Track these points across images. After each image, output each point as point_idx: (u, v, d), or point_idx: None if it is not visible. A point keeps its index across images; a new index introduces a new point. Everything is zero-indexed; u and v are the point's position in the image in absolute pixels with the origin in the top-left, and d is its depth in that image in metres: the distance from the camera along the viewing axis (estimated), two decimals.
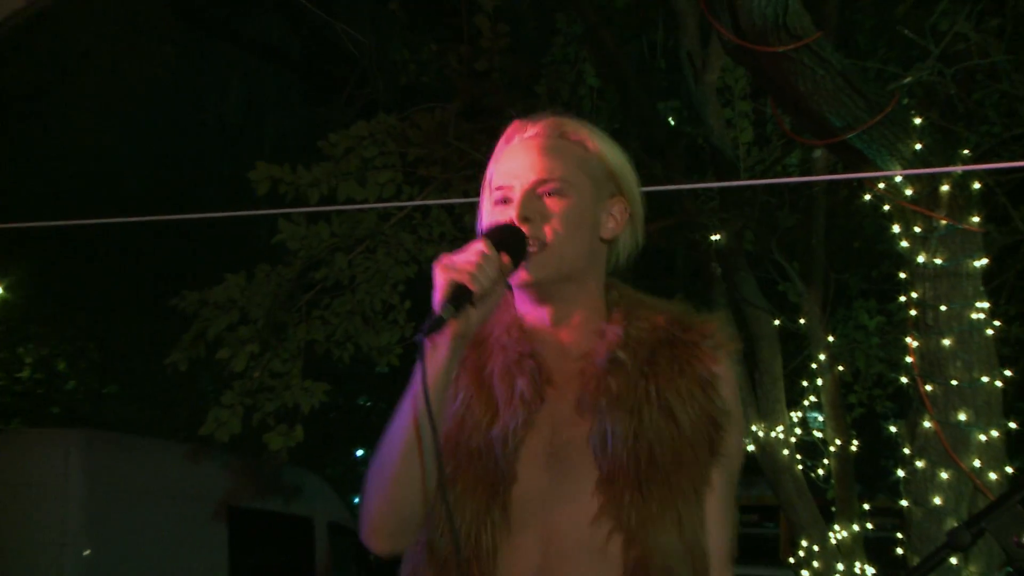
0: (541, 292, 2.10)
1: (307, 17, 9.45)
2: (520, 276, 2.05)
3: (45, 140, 13.63)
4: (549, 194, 2.07)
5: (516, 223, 2.04)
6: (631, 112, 8.39)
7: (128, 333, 15.10)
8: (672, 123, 8.75)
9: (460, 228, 7.14)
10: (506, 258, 1.97)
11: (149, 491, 9.56)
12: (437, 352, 1.91)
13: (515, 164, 2.11)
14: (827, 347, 7.42)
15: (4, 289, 15.19)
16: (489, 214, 2.13)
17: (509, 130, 2.18)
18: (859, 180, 6.18)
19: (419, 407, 1.89)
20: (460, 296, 1.89)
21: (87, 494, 9.08)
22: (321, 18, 7.81)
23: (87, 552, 8.93)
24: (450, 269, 1.90)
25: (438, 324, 1.87)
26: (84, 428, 10.40)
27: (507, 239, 2.00)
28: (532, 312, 2.14)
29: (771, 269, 7.84)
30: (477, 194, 6.87)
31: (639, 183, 2.20)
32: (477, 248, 1.94)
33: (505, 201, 2.10)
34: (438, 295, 1.90)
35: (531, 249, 2.04)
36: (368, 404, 22.87)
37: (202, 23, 10.99)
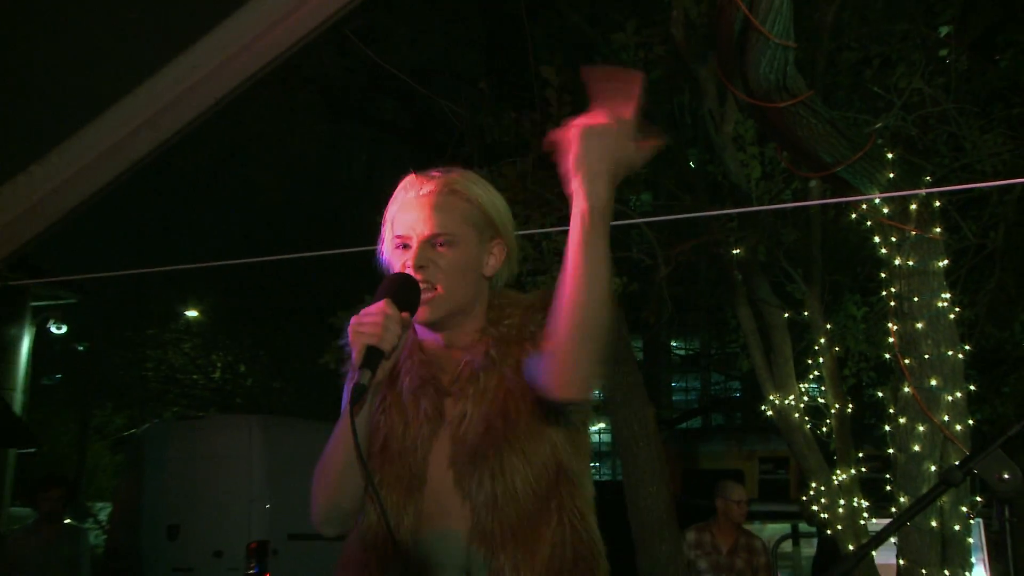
0: (435, 326, 2.01)
1: (416, 96, 9.59)
2: (419, 316, 1.95)
3: (229, 198, 13.92)
4: (440, 244, 1.97)
5: (412, 271, 1.94)
6: (664, 157, 8.38)
7: (290, 342, 15.32)
8: (694, 165, 8.72)
9: (539, 251, 7.14)
10: (405, 314, 1.87)
11: (308, 460, 9.67)
12: (361, 405, 1.86)
13: (412, 217, 1.98)
14: (826, 333, 7.35)
15: (200, 312, 15.53)
16: (391, 254, 2.02)
17: (407, 180, 2.05)
18: (846, 203, 6.12)
19: (351, 444, 1.81)
20: (373, 357, 1.80)
21: (266, 463, 9.25)
22: (427, 97, 7.88)
23: (268, 506, 9.09)
24: (361, 334, 1.81)
25: (361, 390, 1.78)
26: (261, 414, 10.57)
27: (404, 294, 1.89)
28: (429, 336, 2.04)
29: (780, 274, 7.78)
30: (552, 225, 6.82)
31: (513, 223, 2.09)
32: (380, 310, 1.82)
33: (404, 247, 1.99)
34: (355, 356, 1.81)
35: (427, 295, 1.94)
36: None
37: (338, 106, 11.17)
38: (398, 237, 2.00)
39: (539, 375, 1.85)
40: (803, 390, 7.56)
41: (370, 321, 1.82)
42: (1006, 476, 1.76)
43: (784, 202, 7.10)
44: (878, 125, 5.87)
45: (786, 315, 7.53)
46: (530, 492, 1.90)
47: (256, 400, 15.96)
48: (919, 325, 5.40)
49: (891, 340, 5.59)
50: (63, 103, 3.25)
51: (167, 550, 9.01)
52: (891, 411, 5.68)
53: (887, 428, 5.72)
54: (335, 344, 7.78)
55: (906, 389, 5.43)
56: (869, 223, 5.76)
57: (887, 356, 6.04)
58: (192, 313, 15.56)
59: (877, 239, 5.58)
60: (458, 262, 1.98)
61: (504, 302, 2.06)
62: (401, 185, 2.05)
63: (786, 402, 7.25)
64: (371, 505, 1.93)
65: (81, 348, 15.79)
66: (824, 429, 7.52)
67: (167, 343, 15.88)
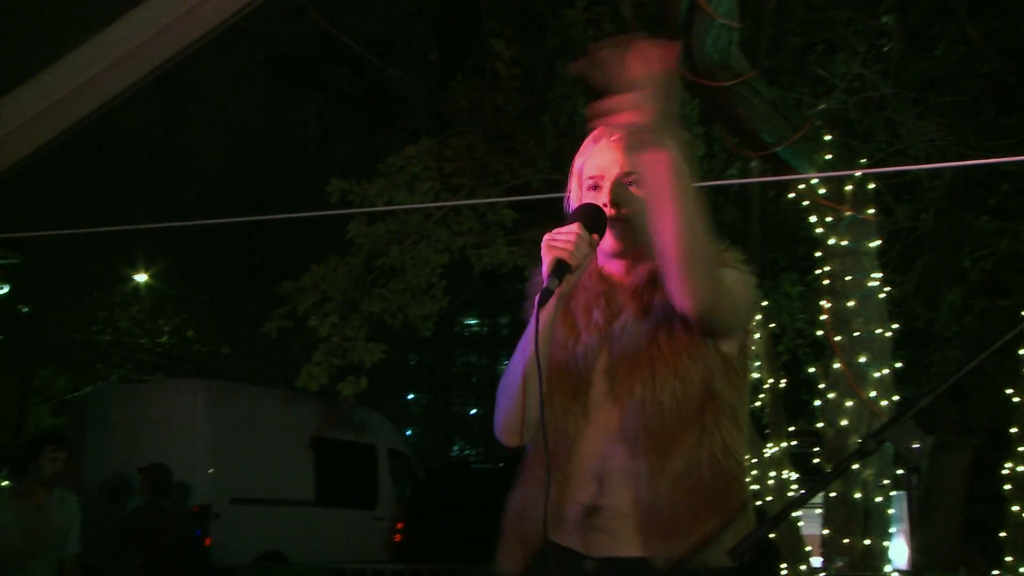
0: (621, 254, 2.09)
1: (368, 67, 9.51)
2: (609, 246, 2.05)
3: (178, 163, 13.69)
4: (631, 183, 2.05)
5: (608, 206, 2.03)
6: None
7: (238, 308, 15.17)
8: None
9: (484, 224, 7.14)
10: (595, 236, 1.97)
11: (255, 425, 9.65)
12: (546, 309, 1.94)
13: (604, 160, 2.08)
14: (761, 309, 7.45)
15: (150, 276, 15.30)
16: (584, 198, 2.10)
17: (596, 133, 2.12)
18: (785, 182, 6.20)
19: (531, 349, 1.92)
20: (561, 269, 1.91)
21: (210, 428, 9.19)
22: (379, 67, 7.82)
23: (211, 471, 9.04)
24: (553, 247, 1.92)
25: (548, 294, 1.90)
26: (207, 379, 10.49)
27: (594, 219, 1.98)
28: (610, 264, 2.13)
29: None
30: (498, 195, 6.79)
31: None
32: (573, 229, 1.93)
33: (596, 188, 2.08)
34: (545, 268, 1.92)
35: (617, 226, 2.03)
36: (414, 361, 22.92)
37: (289, 74, 11.03)
38: (591, 178, 2.09)
39: (670, 292, 1.94)
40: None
41: (563, 238, 1.92)
42: (916, 445, 1.81)
43: (726, 180, 7.17)
44: (819, 107, 5.93)
45: None
46: (675, 406, 1.98)
47: (204, 365, 15.80)
48: (851, 303, 5.49)
49: (823, 317, 5.68)
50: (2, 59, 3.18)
51: (109, 513, 8.92)
52: (821, 386, 5.78)
53: (817, 403, 5.83)
54: (279, 311, 7.62)
55: (836, 365, 5.53)
56: (806, 203, 5.84)
57: (820, 333, 6.14)
58: (141, 277, 15.31)
59: (813, 219, 5.66)
60: (643, 199, 2.04)
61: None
62: (589, 138, 2.14)
63: None
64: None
65: (25, 310, 15.48)
66: (758, 404, 7.64)
67: (114, 306, 15.64)
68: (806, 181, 5.58)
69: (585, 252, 1.94)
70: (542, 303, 1.90)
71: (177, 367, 15.83)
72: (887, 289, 5.62)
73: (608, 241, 2.04)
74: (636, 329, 2.03)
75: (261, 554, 9.37)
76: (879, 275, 5.52)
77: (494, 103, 7.27)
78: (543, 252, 1.94)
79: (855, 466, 5.24)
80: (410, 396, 24.73)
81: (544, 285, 1.91)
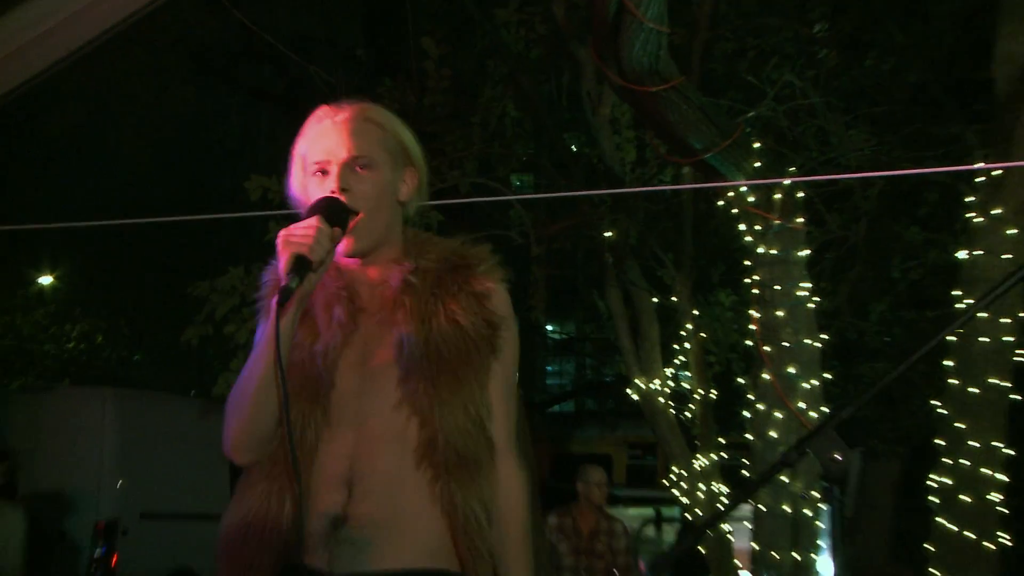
0: (357, 252, 2.05)
1: (290, 64, 9.39)
2: (345, 246, 2.00)
3: (93, 160, 13.41)
4: (360, 167, 2.02)
5: (336, 193, 1.99)
6: (543, 138, 8.42)
7: (151, 313, 14.90)
8: (574, 148, 8.79)
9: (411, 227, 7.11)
10: (336, 229, 1.93)
11: (168, 436, 9.46)
12: (286, 311, 1.87)
13: (331, 143, 2.03)
14: (693, 319, 7.52)
15: (55, 278, 14.92)
16: (308, 185, 2.06)
17: (319, 112, 2.10)
18: (714, 189, 6.26)
19: (270, 355, 1.84)
20: (302, 266, 1.85)
21: (119, 438, 8.98)
22: (301, 65, 7.73)
23: (119, 483, 8.83)
24: (291, 243, 1.86)
25: (288, 293, 1.83)
26: (116, 387, 10.26)
27: (333, 212, 1.95)
28: (347, 261, 2.09)
29: (651, 259, 7.92)
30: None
31: (424, 154, 2.17)
32: (312, 223, 1.88)
33: (323, 173, 2.03)
34: (282, 265, 1.85)
35: (351, 223, 1.98)
36: None
37: (209, 69, 10.85)
38: (317, 163, 2.04)
39: None
40: (669, 375, 7.73)
41: (301, 232, 1.86)
42: (837, 457, 1.83)
43: (656, 186, 7.23)
44: (750, 114, 6.01)
45: (655, 300, 7.68)
46: (477, 427, 1.97)
47: (114, 372, 15.46)
48: (780, 313, 5.55)
49: (753, 328, 5.74)
50: None
51: None
52: (751, 397, 5.84)
53: (746, 415, 5.89)
54: (197, 318, 7.42)
55: (765, 376, 5.58)
56: (735, 211, 5.91)
57: (749, 343, 6.20)
58: (46, 279, 14.92)
59: (743, 227, 5.72)
60: (377, 184, 2.03)
61: (421, 239, 2.13)
62: (312, 117, 2.09)
63: (651, 386, 7.41)
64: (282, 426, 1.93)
65: None
66: (688, 415, 7.71)
67: (15, 310, 15.21)
68: (735, 189, 5.64)
69: (327, 247, 1.89)
70: (281, 303, 1.83)
71: (85, 375, 15.46)
72: (816, 299, 5.71)
73: (346, 243, 2.00)
74: (413, 334, 1.99)
75: (172, 571, 9.17)
76: (808, 285, 5.59)
77: (422, 104, 7.24)
78: (279, 249, 1.88)
79: (784, 479, 5.30)
80: None
81: (283, 284, 1.84)
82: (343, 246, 1.99)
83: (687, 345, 7.53)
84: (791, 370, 5.50)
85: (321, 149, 2.04)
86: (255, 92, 11.95)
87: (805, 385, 5.49)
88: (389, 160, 2.06)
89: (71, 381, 14.92)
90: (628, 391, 7.69)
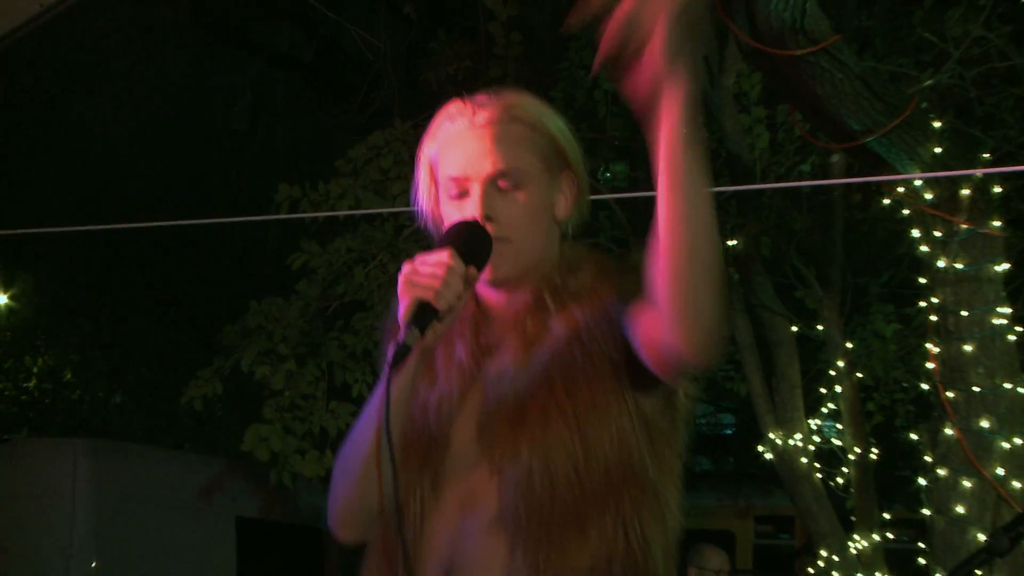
0: (499, 285, 2.09)
1: (320, 22, 9.51)
2: (486, 274, 2.03)
3: (58, 147, 13.70)
4: (510, 188, 2.06)
5: (481, 220, 2.02)
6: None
7: (135, 342, 15.14)
8: None
9: None
10: (472, 269, 1.95)
11: (156, 501, 9.58)
12: (402, 369, 1.92)
13: (470, 154, 2.07)
14: (846, 353, 7.44)
15: (9, 298, 15.25)
16: (444, 205, 2.12)
17: (452, 107, 2.13)
18: (877, 184, 6.20)
19: (380, 422, 1.89)
20: (425, 315, 1.88)
21: (94, 504, 9.10)
22: (334, 23, 7.85)
23: (94, 564, 8.96)
24: (414, 286, 1.89)
25: (405, 351, 1.87)
26: (91, 438, 10.42)
27: (473, 245, 1.97)
28: (490, 293, 2.12)
29: (788, 274, 7.86)
30: None
31: (580, 147, 2.18)
32: (442, 260, 1.91)
33: (462, 195, 2.07)
34: (403, 312, 1.89)
35: (497, 248, 2.02)
36: None
37: (215, 30, 11.03)
38: (453, 180, 2.09)
39: (642, 334, 1.91)
40: (814, 428, 7.65)
41: (428, 272, 1.89)
42: None
43: (798, 180, 7.19)
44: (926, 83, 5.94)
45: (795, 328, 7.61)
46: (575, 479, 1.93)
47: (85, 419, 15.73)
48: (968, 348, 5.48)
49: (930, 366, 5.67)
50: None
51: None
52: (928, 460, 5.77)
53: (922, 482, 5.81)
54: (203, 373, 7.58)
55: (948, 431, 5.51)
56: (907, 211, 5.84)
57: (925, 387, 6.11)
58: (0, 299, 15.28)
59: (916, 233, 5.66)
60: (530, 206, 2.07)
61: (578, 256, 2.15)
62: (443, 114, 2.14)
63: (791, 442, 7.34)
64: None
65: None
66: (840, 480, 7.62)
67: None
68: (907, 183, 5.59)
69: (458, 290, 1.91)
70: (396, 362, 1.86)
71: (50, 422, 15.76)
72: (1018, 329, 5.62)
73: (489, 269, 2.02)
74: (520, 370, 2.00)
75: None
76: (1007, 310, 5.51)
77: (488, 75, 7.28)
78: (400, 291, 1.91)
79: (979, 572, 5.22)
80: None
81: (401, 338, 1.86)
82: (486, 272, 2.02)
83: (838, 388, 7.45)
84: (984, 424, 5.42)
85: (457, 161, 2.08)
86: (278, 60, 12.13)
87: (1004, 444, 5.41)
88: (543, 170, 2.09)
89: (31, 431, 15.22)
90: (758, 448, 7.62)
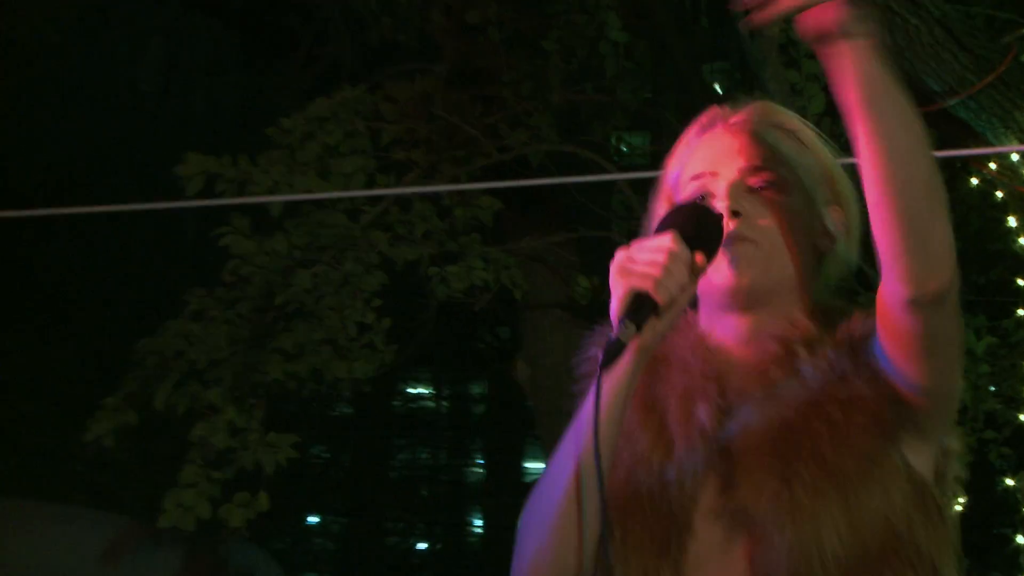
0: (742, 300, 2.14)
1: None
2: (723, 277, 2.10)
3: None
4: (763, 187, 2.14)
5: (721, 215, 2.08)
6: (668, 76, 8.42)
7: (14, 364, 15.14)
8: (720, 90, 8.77)
9: (449, 225, 7.13)
10: (700, 257, 2.00)
11: (44, 572, 9.55)
12: (613, 374, 1.97)
13: (718, 149, 2.18)
14: None
15: None
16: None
17: (704, 117, 2.25)
18: (964, 159, 6.22)
19: (586, 445, 1.93)
20: (643, 308, 1.93)
21: None
22: None
23: None
24: (629, 273, 1.95)
25: (618, 348, 1.91)
26: None
27: (700, 229, 2.02)
28: (721, 325, 2.18)
29: (849, 274, 7.85)
30: (472, 179, 6.85)
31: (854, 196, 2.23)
32: (663, 244, 1.96)
33: (704, 195, 2.15)
34: (615, 306, 1.95)
35: (738, 247, 2.09)
36: (324, 457, 22.78)
37: None
38: (696, 178, 2.19)
39: (882, 322, 2.01)
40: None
41: (646, 258, 1.96)
42: None
43: None
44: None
45: None
46: (844, 560, 1.98)
47: None
48: None
49: None
50: None
51: None
52: None
53: (1020, 540, 5.82)
54: (108, 401, 7.47)
55: None
56: (1001, 194, 5.86)
57: (1022, 418, 6.12)
58: None
59: (1013, 222, 5.68)
60: (787, 215, 2.16)
61: (836, 309, 2.22)
62: (694, 126, 2.27)
63: None
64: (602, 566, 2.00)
65: None
66: None
67: None
68: (1001, 157, 5.61)
69: (682, 280, 1.96)
70: (607, 362, 1.91)
71: None
72: None
73: (721, 274, 2.08)
74: (761, 426, 2.05)
75: None
76: None
77: (463, 21, 7.28)
78: (613, 280, 1.97)
79: None
80: (312, 519, 24.64)
81: (613, 335, 1.91)
82: (720, 279, 2.10)
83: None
84: None
85: (703, 158, 2.20)
86: (200, 7, 12.10)
87: None
88: (807, 190, 2.19)
89: None
90: None
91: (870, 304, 2.05)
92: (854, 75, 1.85)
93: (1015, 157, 5.51)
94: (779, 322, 2.15)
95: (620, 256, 1.97)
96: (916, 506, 2.03)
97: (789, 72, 7.42)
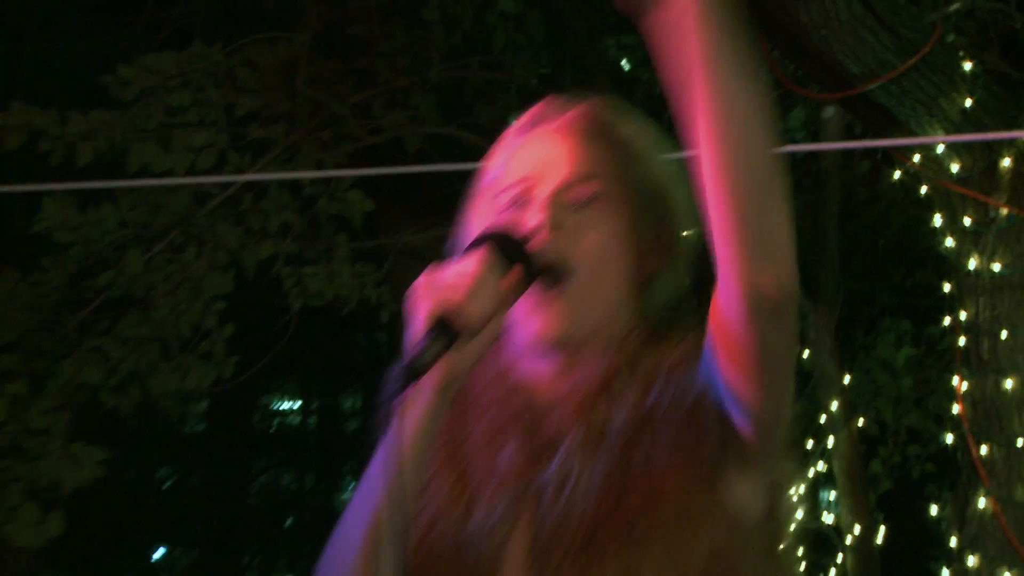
0: (556, 345, 2.15)
1: None
2: (534, 331, 2.11)
3: None
4: (587, 201, 2.15)
5: (541, 232, 2.09)
6: (565, 51, 8.44)
7: None
8: (627, 68, 8.81)
9: (312, 218, 7.09)
10: (510, 281, 2.02)
11: None
12: (413, 413, 1.97)
13: (542, 153, 2.18)
14: (841, 391, 7.51)
15: None
16: (490, 219, 2.19)
17: (533, 111, 2.25)
18: (885, 149, 6.27)
19: (383, 496, 1.94)
20: (448, 332, 1.93)
21: None
22: None
23: None
24: (435, 292, 1.96)
25: (416, 374, 1.90)
26: None
27: (510, 252, 2.04)
28: (531, 362, 2.19)
29: None
30: (335, 166, 6.84)
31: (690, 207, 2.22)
32: (469, 267, 1.98)
33: (520, 203, 2.17)
34: (415, 330, 1.94)
35: (555, 275, 2.09)
36: (172, 479, 22.51)
37: None
38: (514, 185, 2.19)
39: (714, 327, 2.01)
40: (796, 498, 7.72)
41: (450, 282, 1.97)
42: None
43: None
44: (952, 7, 6.01)
45: None
46: None
47: None
48: (1008, 383, 5.56)
49: (957, 410, 5.75)
50: None
51: None
52: (953, 543, 5.84)
53: (946, 574, 5.89)
54: None
55: (981, 503, 5.59)
56: (925, 189, 5.92)
57: (949, 438, 6.18)
58: None
59: (939, 220, 5.74)
60: (611, 238, 2.16)
61: (655, 323, 2.24)
62: (518, 123, 2.26)
63: None
64: None
65: None
66: (833, 572, 7.71)
67: None
68: (925, 148, 5.66)
69: (489, 309, 1.98)
70: (401, 393, 1.90)
71: None
72: None
73: (534, 313, 2.10)
74: (584, 474, 2.06)
75: None
76: None
77: None
78: (413, 304, 1.98)
79: None
80: (158, 553, 24.39)
81: (410, 359, 1.91)
82: (532, 324, 2.11)
83: (830, 441, 7.54)
84: None
85: (526, 161, 2.19)
86: None
87: None
88: (636, 206, 2.19)
89: None
90: None
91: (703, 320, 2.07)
92: (696, 28, 1.86)
93: (940, 148, 5.57)
94: (599, 352, 2.16)
95: (423, 278, 1.98)
96: (743, 544, 2.06)
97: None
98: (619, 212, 2.16)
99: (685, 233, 2.24)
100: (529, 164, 2.16)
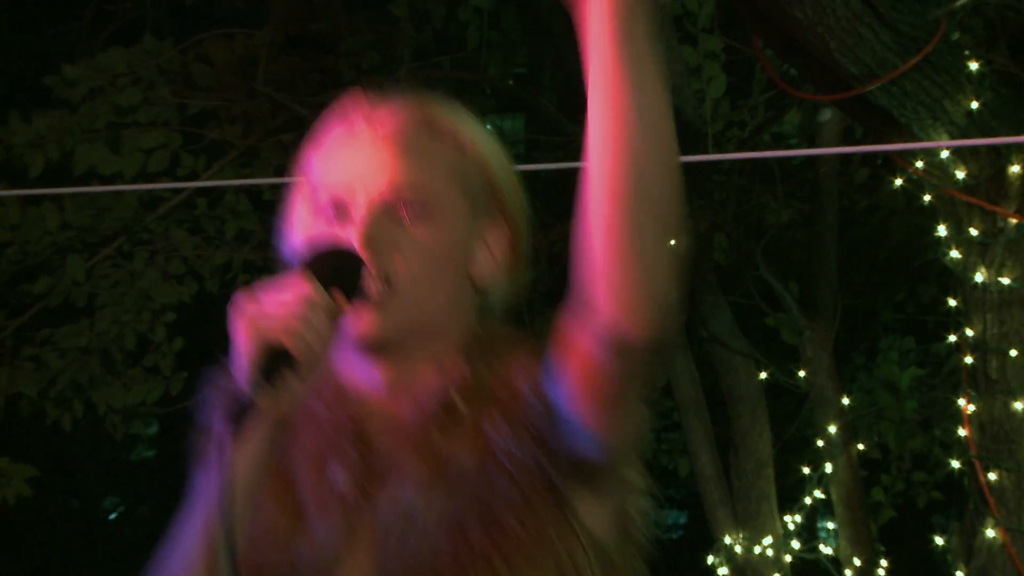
0: (378, 348, 2.15)
1: None
2: (358, 329, 2.10)
3: None
4: (408, 215, 2.14)
5: (357, 249, 2.09)
6: (542, 50, 8.44)
7: None
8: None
9: (269, 226, 7.05)
10: (337, 298, 2.01)
11: None
12: (246, 447, 1.94)
13: (360, 162, 2.16)
14: (840, 413, 7.51)
15: None
16: (310, 231, 2.20)
17: (347, 104, 2.23)
18: (885, 155, 6.28)
19: (215, 524, 1.90)
20: (278, 365, 1.92)
21: None
22: None
23: None
24: (261, 323, 1.94)
25: (243, 413, 1.89)
26: None
27: (338, 273, 2.04)
28: (360, 372, 2.19)
29: (754, 292, 7.92)
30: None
31: (525, 199, 2.27)
32: (300, 292, 1.96)
33: (340, 216, 2.16)
34: (244, 363, 1.93)
35: (373, 291, 2.08)
36: (118, 511, 22.43)
37: None
38: (332, 197, 2.17)
39: (566, 348, 2.00)
40: (792, 528, 7.72)
41: (282, 309, 1.94)
42: None
43: (768, 149, 7.27)
44: (959, 3, 6.03)
45: (763, 375, 7.68)
46: None
47: None
48: (1018, 405, 5.57)
49: (963, 433, 5.76)
50: None
51: None
52: (960, 574, 5.85)
53: None
54: None
55: (989, 533, 5.60)
56: (928, 197, 5.93)
57: (955, 464, 6.20)
58: None
59: (943, 230, 5.76)
60: (435, 249, 2.16)
61: (496, 337, 2.25)
62: (335, 114, 2.24)
63: (757, 550, 7.42)
64: None
65: None
66: None
67: None
68: (929, 153, 5.67)
69: (322, 331, 1.97)
70: (235, 428, 1.89)
71: None
72: None
73: (355, 321, 2.09)
74: (426, 506, 2.08)
75: None
76: None
77: None
78: (242, 332, 1.95)
79: None
80: None
81: (240, 395, 1.90)
82: (358, 328, 2.10)
83: (828, 467, 7.55)
84: None
85: (343, 171, 2.17)
86: None
87: None
88: (464, 210, 2.20)
89: None
90: (709, 559, 7.72)
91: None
92: (606, 23, 1.86)
93: (945, 154, 5.58)
94: (427, 370, 2.17)
95: (247, 305, 1.96)
96: (598, 569, 2.09)
97: (685, 49, 7.50)
98: (442, 219, 2.16)
99: (522, 231, 2.26)
100: (345, 170, 2.16)
